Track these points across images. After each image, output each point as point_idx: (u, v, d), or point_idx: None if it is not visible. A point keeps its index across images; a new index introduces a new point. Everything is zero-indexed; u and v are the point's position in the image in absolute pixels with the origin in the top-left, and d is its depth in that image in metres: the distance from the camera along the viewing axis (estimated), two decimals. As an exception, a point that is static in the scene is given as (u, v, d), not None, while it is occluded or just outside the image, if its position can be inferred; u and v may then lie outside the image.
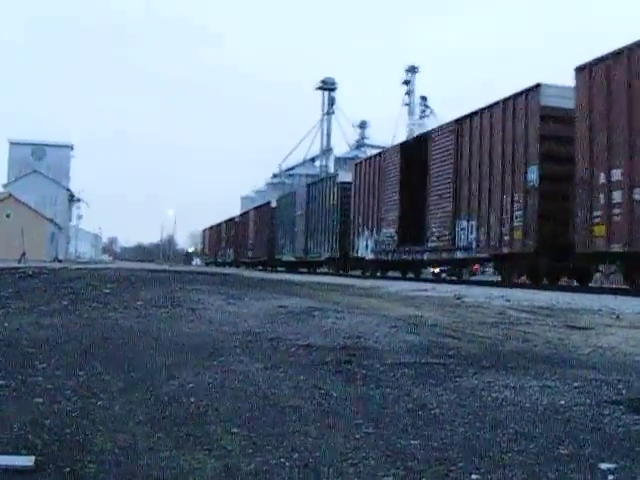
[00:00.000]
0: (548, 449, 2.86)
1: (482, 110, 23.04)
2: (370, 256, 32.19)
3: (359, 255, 33.45)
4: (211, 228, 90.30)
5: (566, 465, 2.65)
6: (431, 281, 26.75)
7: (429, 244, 26.14)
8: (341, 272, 36.99)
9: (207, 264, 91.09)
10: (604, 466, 2.64)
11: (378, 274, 32.82)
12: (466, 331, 7.45)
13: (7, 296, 10.90)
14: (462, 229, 23.80)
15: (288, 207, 47.11)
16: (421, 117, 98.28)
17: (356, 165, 36.17)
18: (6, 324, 7.08)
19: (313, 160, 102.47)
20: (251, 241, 58.54)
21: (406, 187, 28.57)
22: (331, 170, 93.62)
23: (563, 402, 3.78)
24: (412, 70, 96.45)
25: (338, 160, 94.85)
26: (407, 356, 5.42)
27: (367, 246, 32.36)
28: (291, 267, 47.95)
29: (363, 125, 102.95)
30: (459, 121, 24.52)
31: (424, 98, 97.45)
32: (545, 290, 17.54)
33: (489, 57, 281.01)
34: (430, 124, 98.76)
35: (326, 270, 41.53)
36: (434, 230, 25.77)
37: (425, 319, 8.71)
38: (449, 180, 24.73)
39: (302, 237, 42.70)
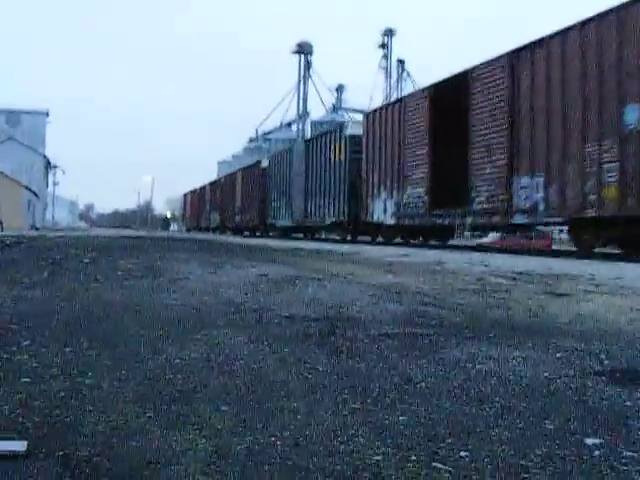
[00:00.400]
0: (534, 424, 2.90)
1: (549, 37, 18.86)
2: (390, 221, 28.15)
3: (375, 220, 29.35)
4: (193, 192, 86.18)
5: (553, 441, 2.68)
6: (413, 246, 26.48)
7: (475, 206, 22.10)
8: (349, 238, 33.91)
9: (188, 230, 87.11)
10: (590, 441, 2.68)
11: (398, 240, 29.73)
12: (447, 299, 7.49)
13: (-14, 268, 10.86)
14: (523, 187, 19.67)
15: (283, 166, 43.72)
16: (398, 81, 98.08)
17: (368, 115, 31.48)
18: (-13, 298, 7.05)
19: (290, 125, 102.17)
20: (239, 204, 54.97)
21: (438, 138, 24.59)
22: (308, 135, 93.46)
23: (547, 374, 3.81)
24: (389, 33, 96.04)
25: (315, 124, 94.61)
26: (390, 326, 5.45)
27: (386, 209, 28.28)
28: (285, 233, 44.97)
29: (340, 89, 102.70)
30: (515, 52, 20.19)
31: (401, 62, 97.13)
32: (523, 255, 17.53)
33: (463, 25, 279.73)
34: (408, 88, 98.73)
35: (328, 236, 38.40)
36: (482, 189, 21.73)
37: (406, 287, 8.74)
38: (502, 128, 20.64)
39: (301, 199, 39.25)
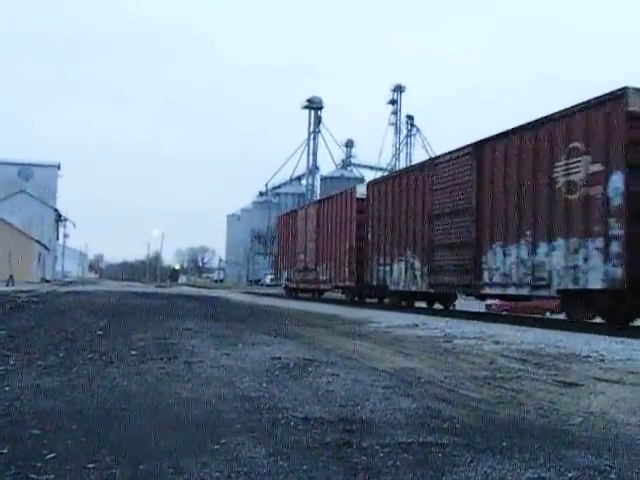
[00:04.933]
0: None
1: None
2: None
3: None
4: (321, 202, 39.79)
5: None
6: (418, 311, 26.59)
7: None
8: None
9: (292, 292, 45.02)
10: None
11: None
12: (459, 391, 7.60)
13: (2, 343, 10.99)
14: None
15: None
16: (407, 136, 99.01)
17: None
18: (7, 387, 7.17)
19: (299, 179, 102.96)
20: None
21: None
22: (317, 190, 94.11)
23: (559, 505, 3.90)
24: (398, 89, 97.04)
25: (324, 179, 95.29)
26: (404, 432, 5.53)
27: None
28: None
29: (349, 144, 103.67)
30: None
31: (410, 117, 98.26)
32: (532, 328, 17.61)
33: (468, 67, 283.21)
34: (417, 144, 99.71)
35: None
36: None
37: (417, 373, 8.85)
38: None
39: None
